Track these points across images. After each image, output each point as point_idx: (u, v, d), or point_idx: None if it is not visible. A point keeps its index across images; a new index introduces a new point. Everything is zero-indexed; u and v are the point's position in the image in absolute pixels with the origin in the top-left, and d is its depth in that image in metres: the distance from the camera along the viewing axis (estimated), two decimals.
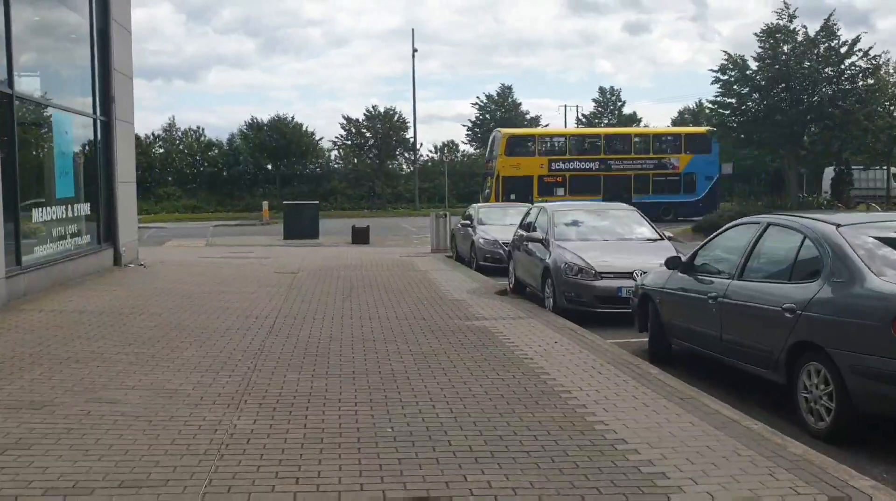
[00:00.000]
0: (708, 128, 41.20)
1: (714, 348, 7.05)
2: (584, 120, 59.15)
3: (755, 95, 32.63)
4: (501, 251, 17.11)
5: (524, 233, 13.40)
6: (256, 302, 11.47)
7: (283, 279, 14.61)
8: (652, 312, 8.26)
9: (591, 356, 7.82)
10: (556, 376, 6.96)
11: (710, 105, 33.57)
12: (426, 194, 61.30)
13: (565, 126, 67.16)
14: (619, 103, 59.09)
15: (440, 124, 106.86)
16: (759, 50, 32.25)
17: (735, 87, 32.85)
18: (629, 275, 10.55)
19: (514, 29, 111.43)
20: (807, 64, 31.58)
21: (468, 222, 19.12)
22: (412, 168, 64.36)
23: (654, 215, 36.67)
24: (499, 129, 44.79)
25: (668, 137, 43.34)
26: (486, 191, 39.54)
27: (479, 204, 20.43)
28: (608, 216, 12.62)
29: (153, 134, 62.51)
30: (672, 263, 7.80)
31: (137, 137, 60.94)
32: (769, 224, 6.75)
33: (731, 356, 6.80)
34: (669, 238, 12.10)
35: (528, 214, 14.16)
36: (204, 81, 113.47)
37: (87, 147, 14.97)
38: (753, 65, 32.41)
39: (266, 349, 8.05)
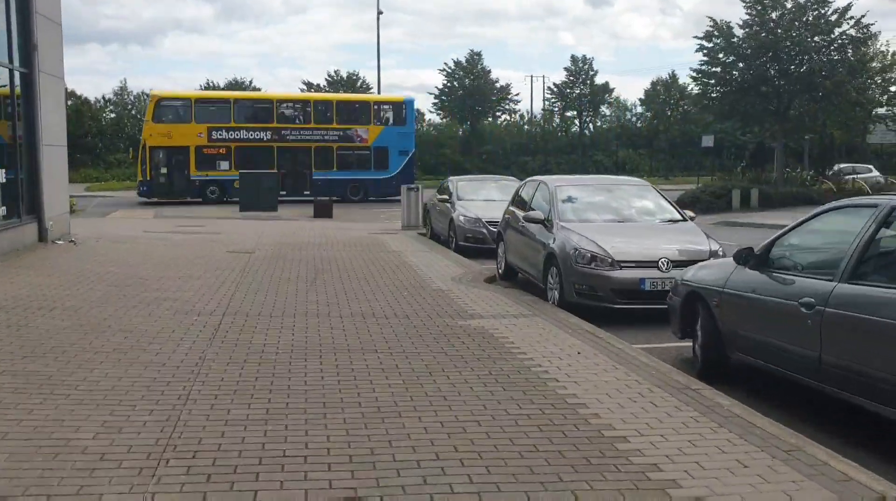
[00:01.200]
0: (405, 97, 37.98)
1: (806, 371, 5.32)
2: (554, 89, 57.34)
3: (741, 65, 31.01)
4: (485, 231, 15.29)
5: (517, 211, 11.58)
6: (201, 292, 9.49)
7: (235, 262, 12.61)
8: (704, 316, 6.50)
9: (631, 375, 6.04)
10: (597, 409, 5.17)
11: (693, 74, 31.93)
12: None
13: (531, 99, 65.48)
14: (592, 73, 57.27)
15: (402, 94, 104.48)
16: (746, 16, 30.59)
17: (720, 55, 31.16)
18: (653, 264, 8.79)
19: (477, 0, 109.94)
20: (795, 32, 29.99)
21: (445, 197, 17.22)
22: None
23: (341, 193, 34.55)
24: (152, 89, 39.59)
25: (356, 105, 38.47)
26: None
27: (457, 177, 18.50)
28: (620, 193, 10.80)
29: (104, 98, 59.27)
30: (743, 256, 6.02)
31: (87, 102, 58.17)
32: (894, 208, 4.99)
33: (834, 385, 5.07)
34: (692, 219, 10.35)
35: (521, 189, 12.32)
36: (160, 47, 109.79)
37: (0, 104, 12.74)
38: (740, 32, 30.72)
39: (206, 365, 6.12)
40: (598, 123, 62.68)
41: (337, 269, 12.02)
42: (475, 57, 56.38)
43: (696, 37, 31.67)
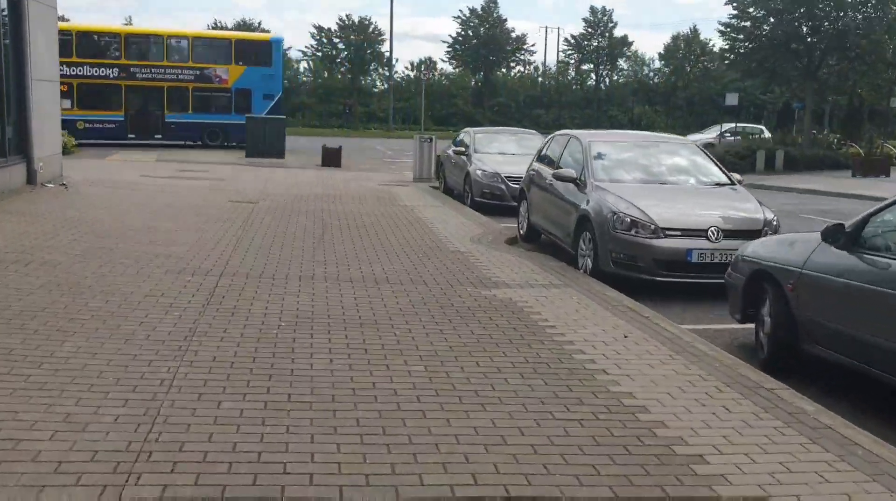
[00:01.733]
0: (272, 35, 35.08)
1: None
2: (571, 41, 55.64)
3: (771, 20, 29.56)
4: (503, 187, 14.35)
5: (544, 169, 10.62)
6: (198, 248, 8.62)
7: (237, 212, 11.72)
8: (774, 300, 5.61)
9: (692, 368, 5.17)
10: (661, 415, 4.31)
11: (721, 28, 30.51)
12: (400, 114, 57.86)
13: (545, 49, 63.64)
14: (611, 24, 55.47)
15: (410, 42, 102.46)
16: None
17: (750, 9, 29.70)
18: (702, 234, 7.87)
19: None
20: None
21: (461, 149, 16.21)
22: (386, 86, 60.64)
23: (197, 137, 32.98)
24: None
25: (216, 43, 35.59)
26: None
27: (474, 129, 17.40)
28: (661, 152, 9.80)
29: None
30: (832, 233, 5.09)
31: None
32: None
33: None
34: (740, 182, 9.38)
35: (547, 144, 11.32)
36: None
37: None
38: None
39: (196, 340, 5.26)
40: (615, 78, 61.06)
41: (346, 224, 11.13)
42: (491, 5, 54.54)
43: None
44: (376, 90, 61.72)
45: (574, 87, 64.17)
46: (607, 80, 59.90)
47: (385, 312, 6.24)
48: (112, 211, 10.94)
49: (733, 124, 36.13)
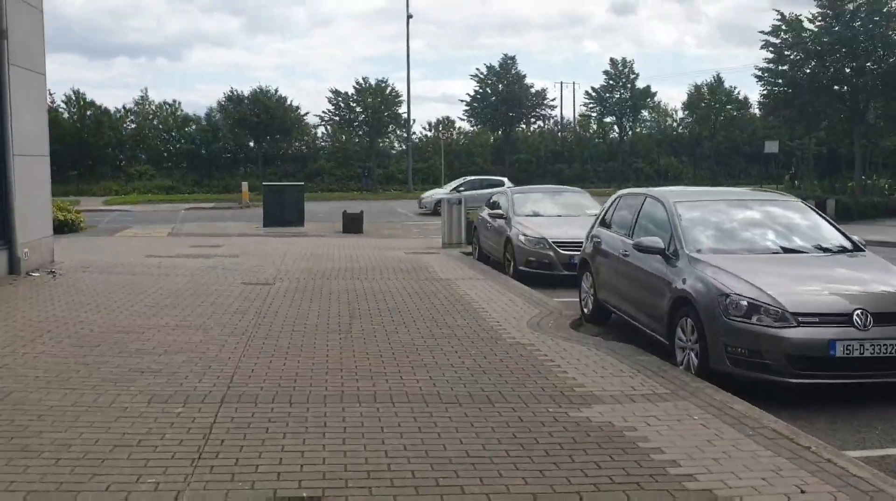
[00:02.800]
0: None
1: None
2: (593, 94, 54.38)
3: (812, 63, 28.07)
4: (551, 254, 12.61)
5: (614, 235, 8.88)
6: (197, 357, 6.89)
7: (251, 298, 10.04)
8: None
9: None
10: None
11: (758, 72, 29.03)
12: (419, 174, 56.60)
13: (561, 104, 62.61)
14: (633, 76, 54.19)
15: (425, 104, 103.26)
16: (818, 9, 27.66)
17: (788, 52, 28.24)
18: (845, 319, 6.04)
19: (500, 10, 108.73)
20: (874, 25, 27.00)
21: (499, 212, 14.52)
22: (404, 147, 59.63)
23: None
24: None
25: None
26: None
27: (512, 188, 15.71)
28: (764, 211, 8.00)
29: (124, 108, 57.34)
30: None
31: (107, 112, 56.35)
32: None
33: None
34: (864, 246, 7.56)
35: (613, 205, 9.56)
36: (187, 60, 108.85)
37: None
38: (811, 27, 27.81)
39: None
40: (638, 130, 59.71)
41: (377, 308, 9.40)
42: (509, 62, 53.63)
43: (761, 31, 28.79)
44: (394, 152, 60.76)
45: (596, 140, 62.84)
46: (630, 132, 58.48)
47: (448, 462, 4.44)
48: (101, 307, 9.27)
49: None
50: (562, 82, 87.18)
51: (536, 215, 14.00)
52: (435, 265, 14.11)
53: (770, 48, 28.46)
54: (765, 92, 30.48)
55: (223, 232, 24.05)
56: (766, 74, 29.04)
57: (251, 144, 56.03)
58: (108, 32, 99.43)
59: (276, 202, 26.32)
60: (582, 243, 12.53)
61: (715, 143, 57.98)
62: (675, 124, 65.53)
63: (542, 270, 12.70)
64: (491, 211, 15.05)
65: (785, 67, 28.44)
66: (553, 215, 14.01)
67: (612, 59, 55.06)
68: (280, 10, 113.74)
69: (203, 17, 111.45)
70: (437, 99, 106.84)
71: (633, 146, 59.73)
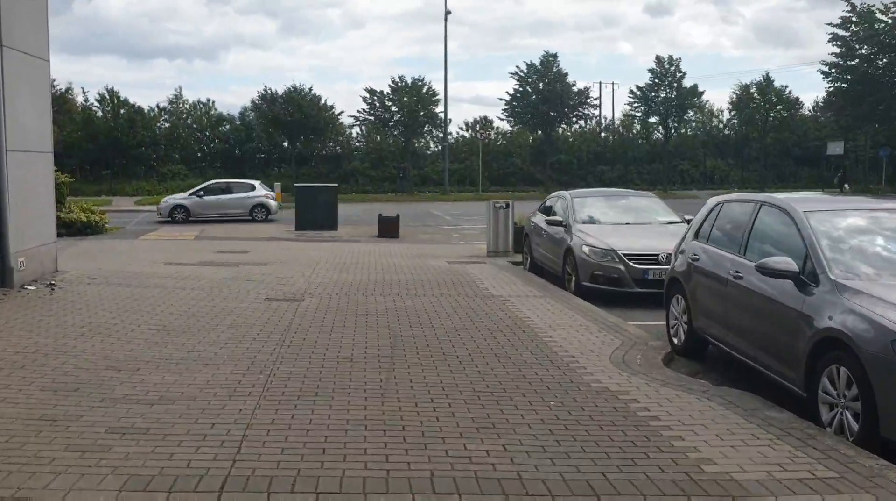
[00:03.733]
0: None
1: None
2: (637, 93, 52.37)
3: (884, 59, 25.98)
4: (622, 268, 10.97)
5: (719, 252, 7.22)
6: (202, 405, 5.38)
7: (274, 319, 8.55)
8: None
9: None
10: None
11: (824, 68, 27.01)
12: (456, 175, 55.07)
13: (600, 104, 60.53)
14: (679, 74, 52.01)
15: (457, 106, 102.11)
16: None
17: (858, 47, 26.18)
18: None
19: (533, 11, 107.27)
20: None
21: (557, 218, 12.87)
22: (439, 147, 58.13)
23: None
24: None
25: None
26: None
27: (570, 192, 13.99)
28: None
29: (158, 106, 56.57)
30: None
31: (140, 111, 55.65)
32: None
33: None
34: None
35: (712, 213, 7.86)
36: (223, 62, 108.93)
37: None
38: (884, 18, 25.72)
39: None
40: (682, 131, 57.52)
41: (423, 335, 7.85)
42: (550, 59, 51.75)
43: (829, 24, 26.77)
44: (429, 152, 59.29)
45: (639, 140, 60.76)
46: (675, 132, 56.32)
47: None
48: (96, 331, 7.82)
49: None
50: (601, 82, 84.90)
51: (601, 222, 12.34)
52: (483, 278, 12.54)
53: (837, 42, 26.42)
54: (831, 88, 28.39)
55: (253, 236, 22.72)
56: (833, 70, 26.99)
57: (285, 144, 54.92)
58: (147, 35, 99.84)
59: (309, 205, 24.94)
60: (657, 254, 10.96)
61: (764, 144, 55.60)
62: (720, 125, 63.25)
63: (611, 286, 11.05)
64: (547, 217, 13.41)
65: (854, 62, 26.38)
66: (620, 222, 12.34)
67: (657, 57, 53.01)
68: (314, 12, 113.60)
69: (240, 18, 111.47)
70: (470, 100, 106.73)
71: (677, 148, 57.57)
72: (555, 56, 52.34)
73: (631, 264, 10.91)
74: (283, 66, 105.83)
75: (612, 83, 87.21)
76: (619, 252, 11.05)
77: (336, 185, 27.60)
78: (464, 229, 27.21)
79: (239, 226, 27.38)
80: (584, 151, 58.44)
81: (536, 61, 52.58)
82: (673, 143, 56.03)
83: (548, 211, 13.97)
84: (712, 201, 8.10)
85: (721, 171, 58.97)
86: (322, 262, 14.78)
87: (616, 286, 11.01)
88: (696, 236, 7.91)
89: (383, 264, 14.56)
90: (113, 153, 52.58)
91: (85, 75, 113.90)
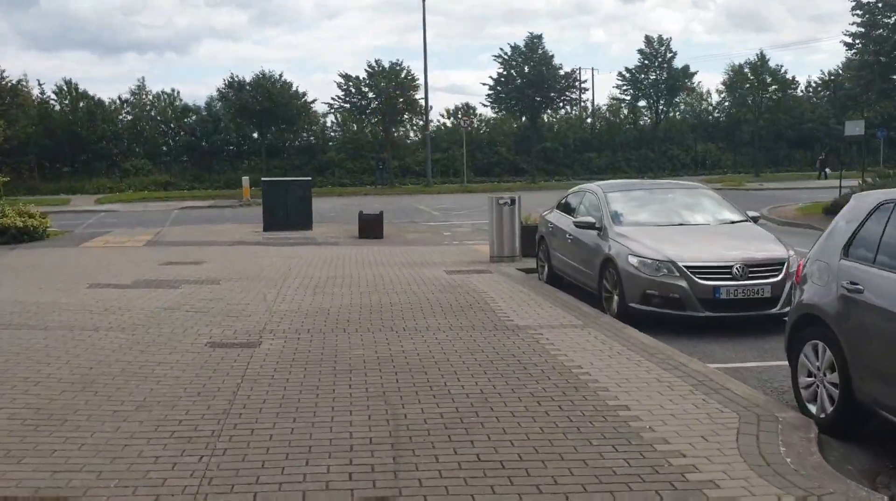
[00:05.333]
0: None
1: None
2: (626, 75, 49.68)
3: None
4: (683, 285, 8.30)
5: (890, 275, 4.56)
6: None
7: (211, 388, 5.77)
8: None
9: None
10: None
11: (847, 39, 24.55)
12: (438, 166, 52.27)
13: (593, 91, 57.76)
14: (670, 55, 49.35)
15: (434, 95, 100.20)
16: None
17: (881, 16, 23.71)
18: None
19: (506, 0, 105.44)
20: None
21: (588, 219, 10.05)
22: (419, 136, 55.24)
23: None
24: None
25: None
26: None
27: (601, 184, 11.06)
28: None
29: (119, 98, 53.13)
30: None
31: (101, 103, 52.17)
32: None
33: None
34: None
35: (870, 219, 5.18)
36: (196, 54, 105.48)
37: None
38: None
39: None
40: (671, 114, 54.99)
41: (437, 413, 5.13)
42: (535, 41, 48.83)
43: None
44: (409, 142, 56.40)
45: (627, 125, 58.25)
46: (664, 116, 53.80)
47: None
48: None
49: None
50: (580, 68, 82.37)
51: (646, 223, 9.62)
52: (496, 296, 9.83)
53: (859, 11, 23.96)
54: (855, 59, 25.93)
55: (214, 239, 19.84)
56: (855, 42, 24.54)
57: (255, 135, 51.75)
58: (117, 29, 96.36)
59: (279, 202, 22.08)
60: (730, 267, 8.24)
61: (757, 127, 53.28)
62: (710, 108, 60.91)
63: (669, 309, 8.38)
64: (573, 218, 10.61)
65: (880, 31, 23.92)
66: (671, 223, 9.63)
67: (647, 37, 50.32)
68: (287, 3, 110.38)
69: (211, 11, 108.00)
70: (445, 89, 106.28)
71: (666, 132, 55.10)
72: (539, 38, 49.49)
73: (696, 279, 8.24)
74: (257, 57, 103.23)
75: (592, 69, 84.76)
76: (680, 264, 8.38)
77: (309, 178, 24.72)
78: (454, 225, 24.49)
79: (205, 226, 24.49)
80: (570, 139, 55.83)
81: (525, 40, 49.63)
82: (662, 128, 53.54)
83: (568, 209, 11.27)
84: (870, 197, 5.40)
85: (712, 155, 56.64)
86: (291, 276, 12.00)
87: (676, 309, 8.35)
88: (847, 251, 5.23)
89: (368, 277, 11.81)
90: (72, 149, 49.27)
91: (57, 71, 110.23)
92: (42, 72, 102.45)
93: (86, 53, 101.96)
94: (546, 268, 11.79)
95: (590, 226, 9.81)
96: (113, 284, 11.09)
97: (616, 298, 8.92)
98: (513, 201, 14.24)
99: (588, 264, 9.82)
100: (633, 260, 8.68)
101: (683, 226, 9.50)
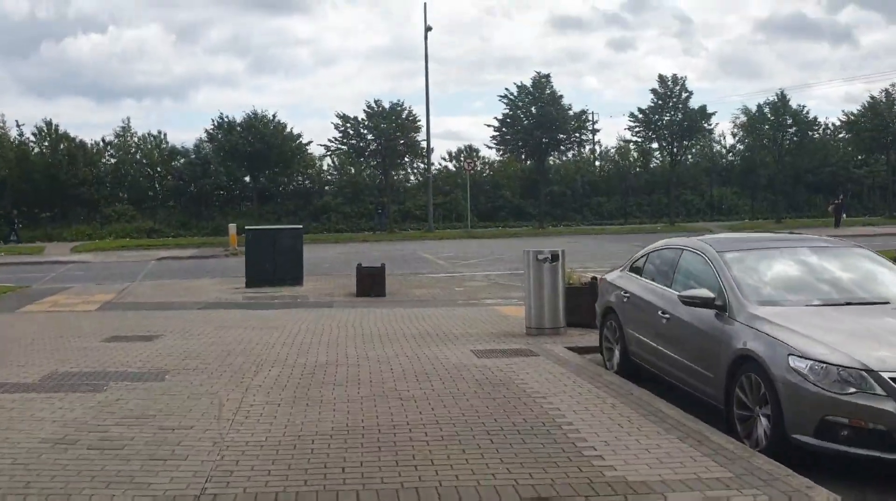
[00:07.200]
0: None
1: None
2: (639, 115, 46.93)
3: None
4: (892, 410, 5.01)
5: None
6: None
7: None
8: None
9: None
10: None
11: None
12: (440, 210, 49.29)
13: (593, 135, 55.43)
14: (685, 95, 46.52)
15: (431, 140, 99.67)
16: None
17: None
18: None
19: (500, 47, 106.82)
20: None
21: (699, 292, 6.72)
22: (419, 179, 52.33)
23: None
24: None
25: None
26: None
27: (704, 239, 7.76)
28: None
29: (103, 140, 50.20)
30: None
31: (83, 145, 49.15)
32: None
33: None
34: None
35: None
36: (193, 101, 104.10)
37: None
38: None
39: None
40: (682, 157, 52.17)
41: None
42: (542, 80, 46.14)
43: None
44: (409, 185, 53.50)
45: (637, 169, 55.41)
46: (683, 158, 50.96)
47: None
48: None
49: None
50: (584, 109, 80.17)
51: (793, 301, 6.40)
52: (561, 405, 6.63)
53: None
54: (882, 102, 22.97)
55: (186, 298, 16.65)
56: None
57: (246, 178, 48.76)
58: (115, 76, 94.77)
59: (265, 253, 18.91)
60: None
61: (776, 170, 50.44)
62: (723, 151, 58.17)
63: (866, 449, 5.13)
64: (684, 293, 6.94)
65: None
66: (838, 302, 6.39)
67: (660, 77, 47.58)
68: (284, 51, 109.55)
69: (209, 59, 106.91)
70: (440, 135, 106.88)
71: (680, 177, 52.23)
72: (547, 77, 46.81)
73: None
74: (253, 103, 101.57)
75: (592, 113, 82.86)
76: (885, 375, 5.15)
77: (300, 226, 21.55)
78: (464, 277, 21.33)
79: (180, 281, 21.31)
80: (578, 181, 52.96)
81: (532, 79, 46.89)
82: (677, 172, 50.68)
83: (653, 272, 8.08)
84: None
85: (728, 200, 53.70)
86: (267, 362, 8.76)
87: (878, 451, 5.10)
88: None
89: (372, 364, 8.56)
90: (50, 193, 46.18)
91: (57, 117, 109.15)
92: (37, 117, 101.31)
93: (83, 100, 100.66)
94: (617, 353, 8.55)
95: (707, 303, 6.56)
96: (10, 382, 7.78)
97: (764, 421, 5.68)
98: (555, 257, 11.02)
99: (703, 360, 6.58)
100: (800, 364, 5.44)
101: (860, 306, 6.27)
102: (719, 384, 6.27)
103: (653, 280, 7.96)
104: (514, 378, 7.77)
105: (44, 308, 15.58)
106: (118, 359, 9.08)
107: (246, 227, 21.53)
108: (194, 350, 9.69)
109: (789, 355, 5.54)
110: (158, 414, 6.43)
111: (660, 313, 7.41)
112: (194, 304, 15.62)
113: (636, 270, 8.55)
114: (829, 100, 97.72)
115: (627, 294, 8.33)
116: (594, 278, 12.39)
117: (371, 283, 16.96)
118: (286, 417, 6.35)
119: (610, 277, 9.28)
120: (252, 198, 47.94)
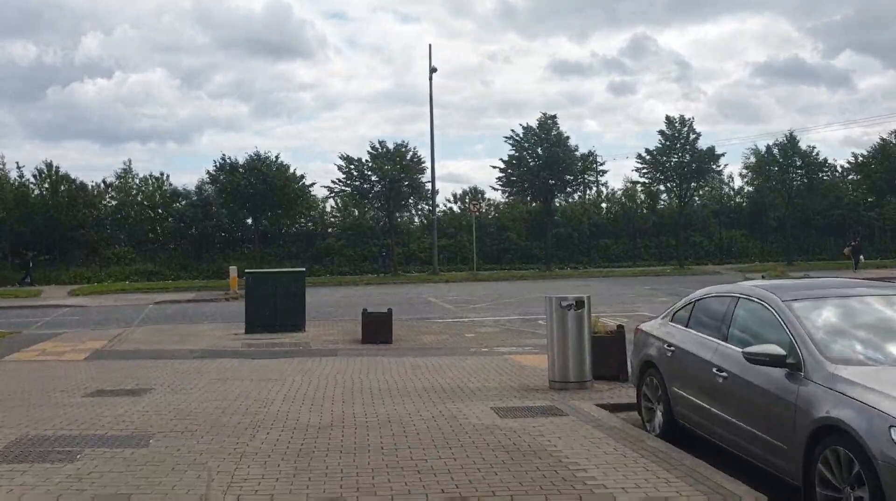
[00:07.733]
0: None
1: None
2: (647, 156, 46.28)
3: None
4: None
5: None
6: None
7: None
8: None
9: None
10: None
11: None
12: (445, 253, 48.42)
13: (596, 177, 54.75)
14: (693, 136, 45.88)
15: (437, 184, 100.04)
16: None
17: None
18: None
19: (501, 91, 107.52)
20: None
21: (767, 349, 5.76)
22: (424, 221, 51.58)
23: None
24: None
25: None
26: None
27: (763, 284, 6.82)
28: None
29: (104, 181, 49.59)
30: None
31: (84, 187, 48.67)
32: None
33: None
34: None
35: None
36: (197, 144, 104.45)
37: None
38: None
39: None
40: (692, 200, 51.45)
41: None
42: (549, 121, 45.65)
43: None
44: (413, 227, 52.73)
45: (643, 211, 54.63)
46: (692, 200, 50.20)
47: None
48: None
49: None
50: (591, 150, 79.91)
51: (882, 359, 5.48)
52: (605, 480, 5.66)
53: None
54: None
55: (181, 346, 15.69)
56: None
57: (248, 220, 48.00)
58: (120, 120, 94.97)
59: (266, 298, 17.99)
60: None
61: (786, 213, 49.64)
62: (731, 193, 57.49)
63: None
64: (750, 351, 5.92)
65: None
66: None
67: (667, 118, 47.04)
68: (287, 95, 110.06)
69: (213, 103, 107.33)
70: (442, 178, 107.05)
71: (688, 219, 51.45)
72: (553, 118, 46.28)
73: None
74: (258, 146, 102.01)
75: (594, 154, 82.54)
76: None
77: (303, 270, 20.66)
78: (474, 323, 20.35)
79: (177, 327, 20.36)
80: (585, 223, 52.16)
81: (539, 120, 46.35)
82: (686, 214, 49.90)
83: (702, 323, 7.15)
84: None
85: (738, 243, 52.80)
86: (265, 424, 7.80)
87: None
88: None
89: (382, 425, 7.60)
90: (50, 236, 45.44)
91: (62, 161, 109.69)
92: (42, 161, 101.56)
93: (88, 143, 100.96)
94: (659, 414, 7.59)
95: (777, 362, 5.62)
96: None
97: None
98: (580, 304, 10.10)
99: (772, 428, 5.62)
100: None
101: None
102: (795, 457, 5.31)
103: (701, 332, 7.03)
104: (545, 445, 6.81)
105: (30, 357, 14.63)
106: (99, 419, 8.13)
107: (246, 270, 20.65)
108: (185, 408, 8.74)
109: (891, 427, 4.59)
110: (135, 493, 5.47)
111: (714, 370, 6.46)
112: (189, 352, 14.67)
113: (680, 319, 7.63)
114: (828, 143, 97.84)
115: (672, 348, 7.40)
116: (620, 327, 11.48)
117: (377, 329, 16.04)
118: (283, 494, 5.38)
119: (648, 327, 8.34)
120: (254, 240, 47.14)
